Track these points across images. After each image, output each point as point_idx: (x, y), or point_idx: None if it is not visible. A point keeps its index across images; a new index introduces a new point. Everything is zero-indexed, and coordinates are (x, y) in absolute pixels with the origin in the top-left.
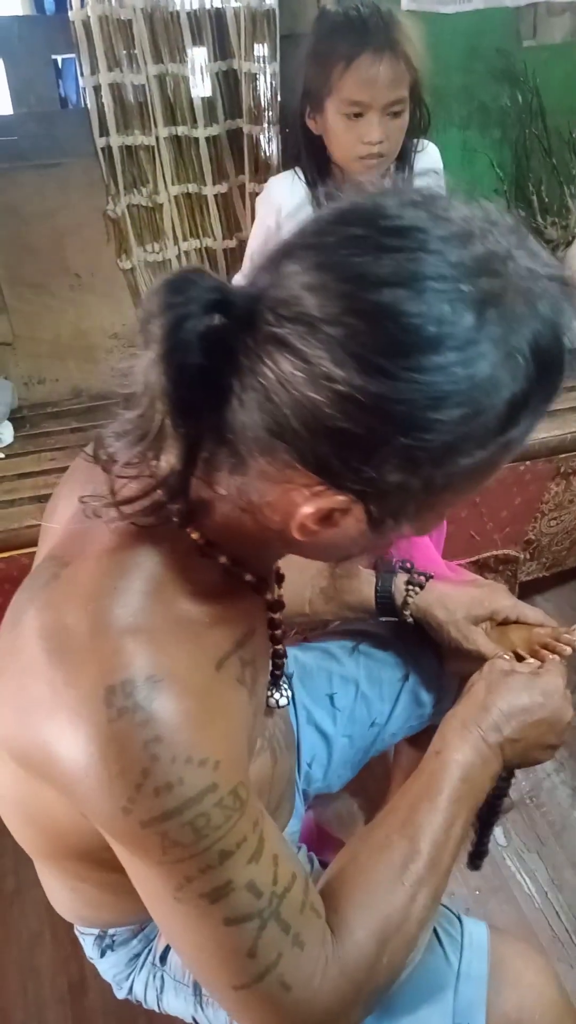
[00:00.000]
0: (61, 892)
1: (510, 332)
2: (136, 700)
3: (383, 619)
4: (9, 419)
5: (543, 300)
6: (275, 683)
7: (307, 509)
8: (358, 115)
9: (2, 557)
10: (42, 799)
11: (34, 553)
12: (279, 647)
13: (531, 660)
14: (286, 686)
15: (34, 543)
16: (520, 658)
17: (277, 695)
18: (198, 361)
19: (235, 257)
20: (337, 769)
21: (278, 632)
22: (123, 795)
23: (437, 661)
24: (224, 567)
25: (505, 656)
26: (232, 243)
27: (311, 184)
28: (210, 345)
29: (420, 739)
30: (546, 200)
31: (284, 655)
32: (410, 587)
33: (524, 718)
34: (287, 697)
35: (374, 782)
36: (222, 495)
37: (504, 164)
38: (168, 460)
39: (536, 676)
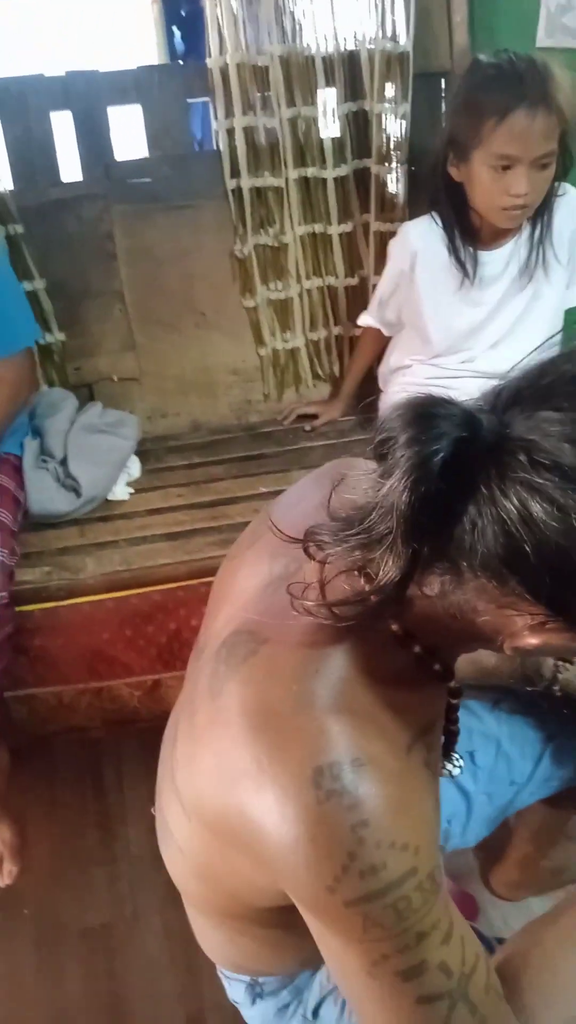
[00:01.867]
0: (216, 940)
1: None
2: (343, 783)
3: (529, 689)
4: (134, 453)
5: None
6: (447, 756)
7: (532, 640)
8: (506, 167)
9: (137, 593)
10: (228, 863)
11: (165, 591)
12: (454, 727)
13: None
14: (457, 757)
15: (164, 581)
16: None
17: (449, 766)
18: (440, 488)
19: (355, 295)
20: (475, 827)
21: (456, 716)
22: (329, 875)
23: None
24: (416, 656)
25: None
26: (354, 281)
27: (447, 230)
28: (452, 471)
29: (553, 798)
30: None
31: (457, 733)
32: (559, 662)
33: None
34: (460, 768)
35: (495, 834)
36: (428, 596)
37: None
38: (387, 570)
39: None
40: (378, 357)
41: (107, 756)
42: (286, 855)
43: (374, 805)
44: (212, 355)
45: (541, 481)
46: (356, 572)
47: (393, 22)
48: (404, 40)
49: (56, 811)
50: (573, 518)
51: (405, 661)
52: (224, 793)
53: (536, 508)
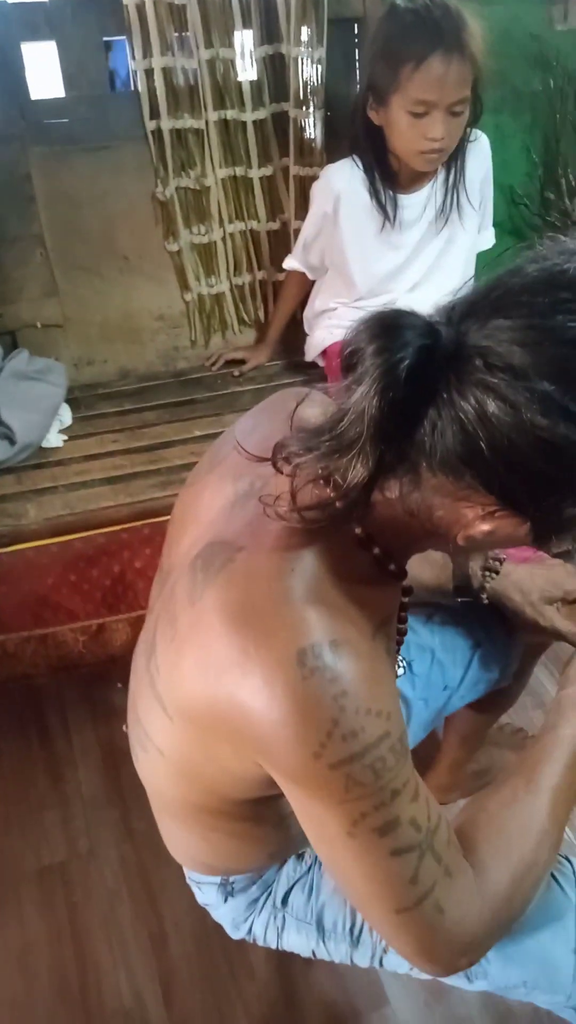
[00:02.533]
0: (189, 841)
1: None
2: (324, 661)
3: (460, 599)
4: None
5: None
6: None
7: (484, 527)
8: (423, 113)
9: (81, 537)
10: (210, 755)
11: (109, 533)
12: (403, 626)
13: None
14: (402, 658)
15: (107, 524)
16: None
17: (396, 667)
18: (405, 393)
19: (277, 239)
20: (414, 730)
21: (404, 614)
22: (315, 742)
23: (505, 631)
24: (375, 557)
25: None
26: (275, 225)
27: (368, 173)
28: (415, 378)
29: (479, 704)
30: (574, 183)
31: (405, 633)
32: (486, 572)
33: None
34: (404, 668)
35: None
36: (388, 499)
37: (535, 147)
38: (355, 473)
39: None
40: (302, 301)
41: (51, 702)
42: (275, 730)
43: (351, 677)
44: (137, 300)
45: (495, 381)
46: (322, 481)
47: None
48: None
49: (3, 760)
50: (523, 412)
51: (366, 561)
52: (211, 685)
53: (491, 406)
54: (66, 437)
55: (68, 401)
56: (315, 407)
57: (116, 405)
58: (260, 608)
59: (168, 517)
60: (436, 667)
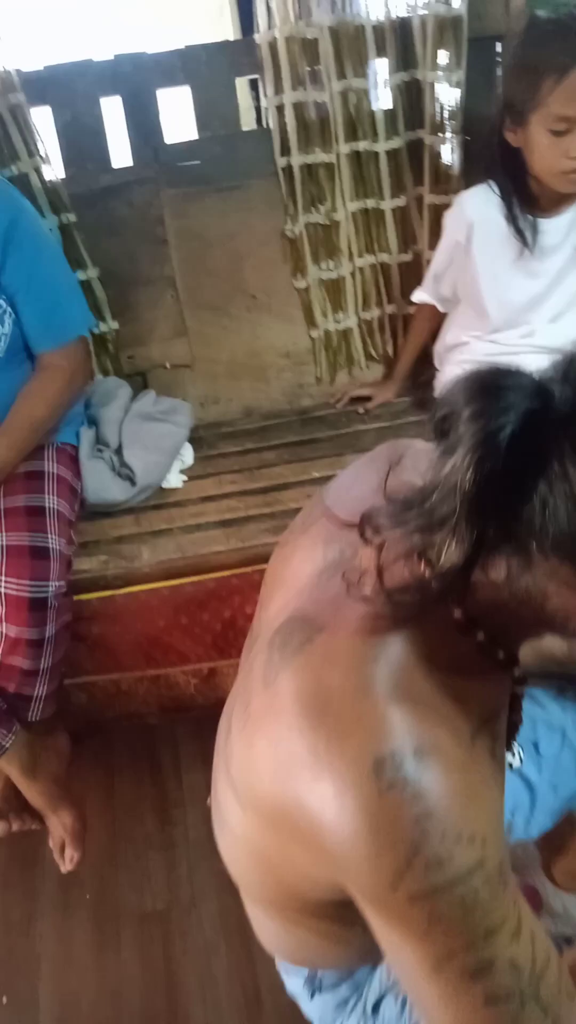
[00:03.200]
0: (273, 931)
1: None
2: (406, 773)
3: None
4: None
5: None
6: (508, 747)
7: None
8: (566, 131)
9: (192, 581)
10: (285, 855)
11: (219, 578)
12: (517, 718)
13: None
14: (518, 747)
15: (218, 568)
16: None
17: (510, 757)
18: (508, 465)
19: (409, 271)
20: (539, 818)
21: (519, 705)
22: (392, 869)
23: None
24: (479, 644)
25: None
26: (407, 256)
27: (506, 198)
28: (521, 446)
29: None
30: None
31: (520, 723)
32: None
33: None
34: (520, 758)
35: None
36: (493, 580)
37: None
38: (449, 554)
39: None
40: (433, 335)
41: (164, 742)
42: (346, 848)
43: (438, 795)
44: (263, 338)
45: None
46: (415, 557)
47: None
48: (457, 3)
49: (115, 797)
50: None
51: (467, 648)
52: (280, 783)
53: None
54: (186, 477)
55: (191, 440)
56: (421, 462)
57: (238, 444)
58: (336, 702)
59: None
60: (568, 749)
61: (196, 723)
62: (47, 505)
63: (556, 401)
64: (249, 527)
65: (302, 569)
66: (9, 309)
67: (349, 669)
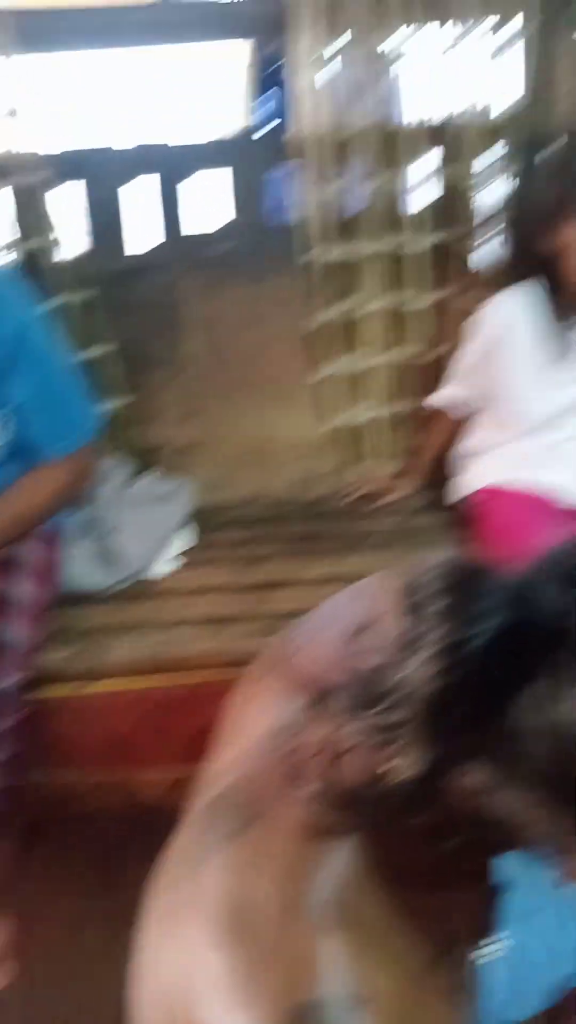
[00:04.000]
0: None
1: None
2: None
3: None
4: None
5: None
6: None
7: None
8: None
9: (166, 680)
10: None
11: (196, 679)
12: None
13: None
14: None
15: (195, 668)
16: None
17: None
18: (481, 676)
19: (430, 370)
20: (532, 1001)
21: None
22: None
23: None
24: (442, 854)
25: None
26: (428, 356)
27: (540, 302)
28: (499, 656)
29: None
30: None
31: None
32: None
33: None
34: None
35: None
36: (466, 788)
37: None
38: (407, 765)
39: None
40: (454, 436)
41: (121, 852)
42: None
43: None
44: (274, 427)
45: None
46: (375, 750)
47: (487, 94)
48: (498, 112)
49: (61, 907)
50: None
51: (430, 856)
52: (187, 996)
53: None
54: (176, 565)
55: (190, 524)
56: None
57: (238, 531)
58: (261, 923)
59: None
60: (561, 922)
61: (158, 833)
62: (12, 594)
63: (542, 611)
64: (234, 628)
65: (258, 721)
66: (13, 416)
67: (280, 882)
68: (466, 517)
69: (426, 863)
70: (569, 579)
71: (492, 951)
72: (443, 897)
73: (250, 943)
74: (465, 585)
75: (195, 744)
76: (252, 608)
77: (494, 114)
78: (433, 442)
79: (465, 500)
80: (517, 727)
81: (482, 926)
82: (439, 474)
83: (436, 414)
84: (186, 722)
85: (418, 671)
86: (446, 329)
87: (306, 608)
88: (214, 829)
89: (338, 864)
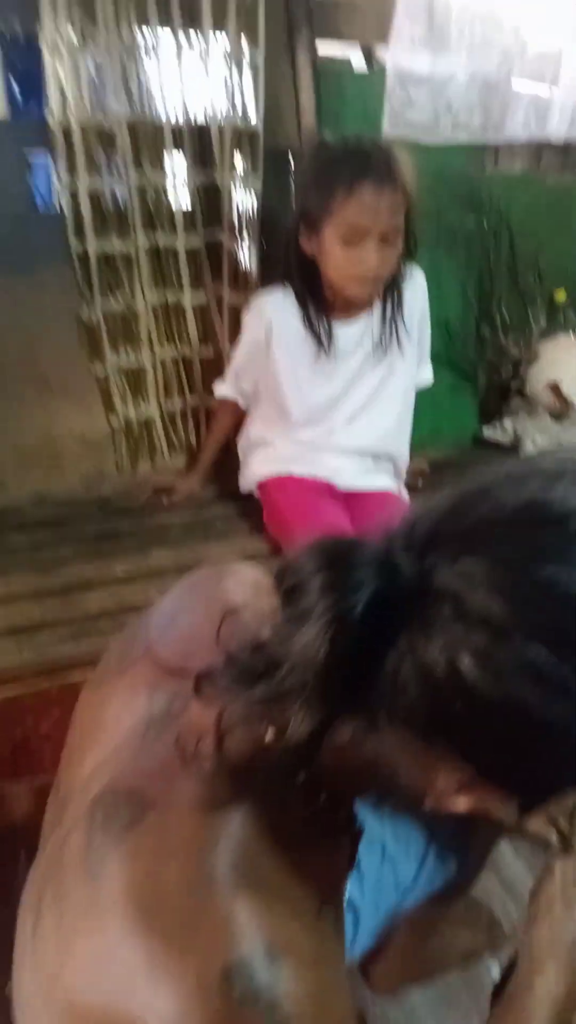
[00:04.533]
0: None
1: None
2: (259, 982)
3: None
4: None
5: None
6: None
7: (460, 800)
8: (356, 239)
9: None
10: None
11: (9, 695)
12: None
13: None
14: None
15: (10, 682)
16: (562, 835)
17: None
18: (360, 641)
19: (211, 366)
20: (361, 940)
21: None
22: None
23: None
24: (322, 808)
25: (552, 837)
26: (209, 352)
27: (301, 302)
28: (372, 621)
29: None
30: (508, 320)
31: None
32: None
33: None
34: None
35: None
36: (339, 745)
37: (470, 285)
38: (297, 726)
39: None
40: (236, 428)
41: None
42: None
43: (295, 999)
44: (58, 425)
45: (470, 637)
46: (259, 723)
47: (243, 99)
48: (254, 118)
49: None
50: (506, 676)
51: (308, 814)
52: (108, 995)
53: (466, 664)
54: None
55: None
56: (244, 589)
57: (27, 535)
58: (174, 901)
59: (80, 676)
60: (388, 864)
61: None
62: None
63: (403, 577)
64: (41, 636)
65: (121, 720)
66: None
67: (187, 859)
68: (256, 505)
69: (308, 818)
70: (419, 548)
71: (351, 890)
72: (323, 847)
73: (163, 923)
74: (337, 561)
75: (12, 760)
76: (59, 613)
77: (249, 118)
78: (217, 436)
79: (253, 491)
80: (394, 676)
81: (348, 868)
82: (227, 466)
83: (218, 408)
84: (1, 738)
85: (307, 641)
86: (221, 326)
87: (118, 607)
88: (106, 827)
89: (234, 831)
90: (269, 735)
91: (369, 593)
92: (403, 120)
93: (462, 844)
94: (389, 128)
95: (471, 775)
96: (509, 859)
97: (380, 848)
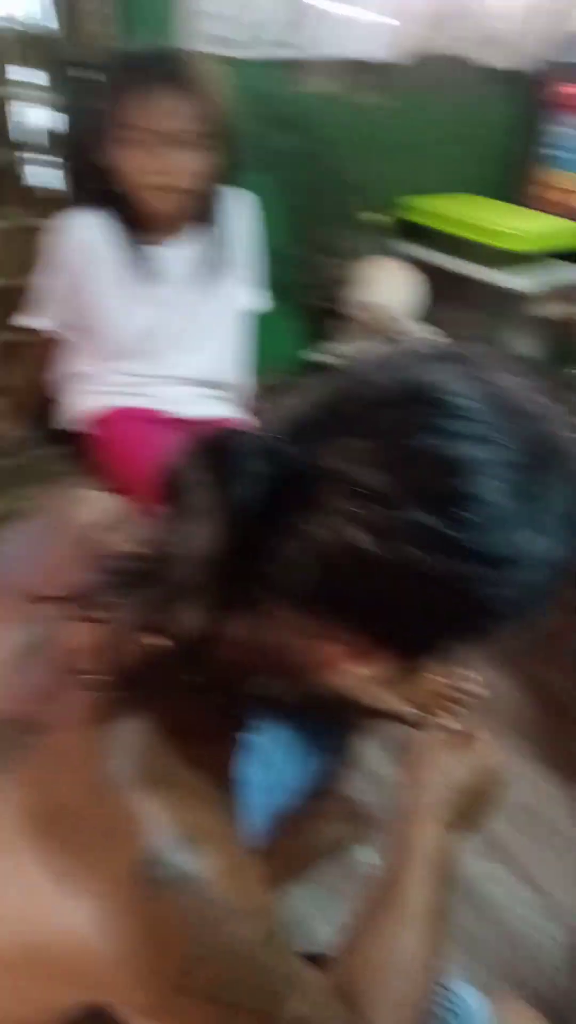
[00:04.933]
0: None
1: (559, 508)
2: (176, 866)
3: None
4: None
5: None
6: None
7: (350, 666)
8: (152, 145)
9: None
10: (22, 997)
11: None
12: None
13: (454, 724)
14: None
15: None
16: (421, 710)
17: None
18: (251, 529)
19: (6, 300)
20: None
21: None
22: (177, 971)
23: (337, 718)
24: (215, 704)
25: (420, 717)
26: (15, 281)
27: (112, 221)
28: (261, 510)
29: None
30: (328, 242)
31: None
32: None
33: (476, 799)
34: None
35: None
36: (230, 639)
37: (291, 206)
38: (189, 623)
39: (481, 754)
40: (47, 362)
41: None
42: (120, 968)
43: (215, 879)
44: None
45: (358, 511)
46: (146, 630)
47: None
48: (48, 24)
49: None
50: (394, 544)
51: (199, 710)
52: (21, 923)
53: (358, 536)
54: None
55: None
56: (97, 512)
57: None
58: (77, 812)
59: None
60: (264, 768)
61: None
62: None
63: (289, 464)
64: None
65: None
66: None
67: (85, 771)
68: (83, 444)
69: (202, 714)
70: (302, 434)
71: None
72: (214, 741)
73: (75, 837)
74: (223, 455)
75: None
76: None
77: (47, 24)
78: (29, 371)
79: (77, 428)
80: (287, 560)
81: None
82: (44, 405)
83: (26, 344)
84: None
85: (201, 534)
86: (25, 253)
87: None
88: None
89: (130, 737)
90: (159, 640)
91: (257, 481)
92: (211, 35)
93: (336, 736)
94: (196, 42)
95: (361, 642)
96: (368, 750)
97: (258, 752)
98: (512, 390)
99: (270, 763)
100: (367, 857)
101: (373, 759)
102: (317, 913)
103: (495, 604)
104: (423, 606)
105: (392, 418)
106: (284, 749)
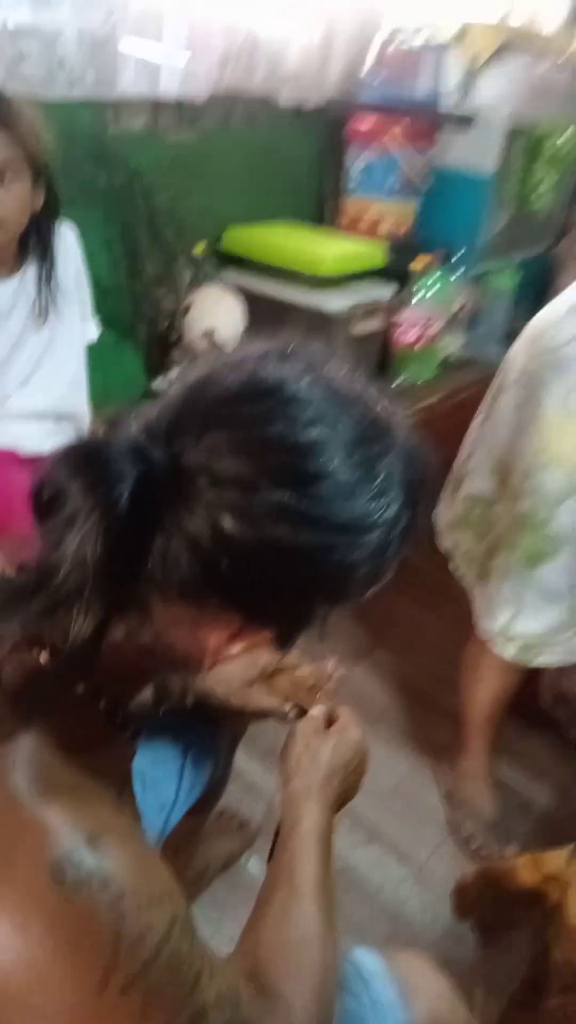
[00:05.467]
0: None
1: (400, 480)
2: (88, 866)
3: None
4: None
5: (414, 450)
6: None
7: (231, 647)
8: None
9: None
10: None
11: None
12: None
13: (318, 710)
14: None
15: None
16: (297, 705)
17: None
18: (130, 530)
19: None
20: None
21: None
22: (99, 971)
23: (210, 724)
24: (102, 712)
25: (288, 709)
26: None
27: None
28: (136, 509)
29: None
30: (155, 274)
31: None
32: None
33: (346, 772)
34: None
35: None
36: (113, 643)
37: (114, 240)
38: (78, 629)
39: (342, 730)
40: None
41: None
42: (41, 978)
43: (124, 871)
44: None
45: (226, 498)
46: (28, 646)
47: None
48: None
49: None
50: (262, 524)
51: (95, 719)
52: None
53: (227, 524)
54: None
55: None
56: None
57: None
58: None
59: None
60: (150, 790)
61: None
62: None
63: (157, 463)
64: None
65: None
66: None
67: None
68: None
69: (88, 725)
70: (165, 435)
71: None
72: (107, 750)
73: None
74: (91, 462)
75: None
76: None
77: None
78: None
79: None
80: (164, 555)
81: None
82: None
83: None
84: None
85: (81, 540)
86: None
87: None
88: None
89: (25, 753)
90: (43, 655)
91: (130, 483)
92: (17, 74)
93: (212, 747)
94: (3, 81)
95: (240, 622)
96: (245, 765)
97: (140, 776)
98: (341, 380)
99: (150, 783)
100: (254, 867)
101: (251, 772)
102: (208, 928)
103: (354, 567)
104: (292, 578)
105: (245, 412)
106: (162, 765)
